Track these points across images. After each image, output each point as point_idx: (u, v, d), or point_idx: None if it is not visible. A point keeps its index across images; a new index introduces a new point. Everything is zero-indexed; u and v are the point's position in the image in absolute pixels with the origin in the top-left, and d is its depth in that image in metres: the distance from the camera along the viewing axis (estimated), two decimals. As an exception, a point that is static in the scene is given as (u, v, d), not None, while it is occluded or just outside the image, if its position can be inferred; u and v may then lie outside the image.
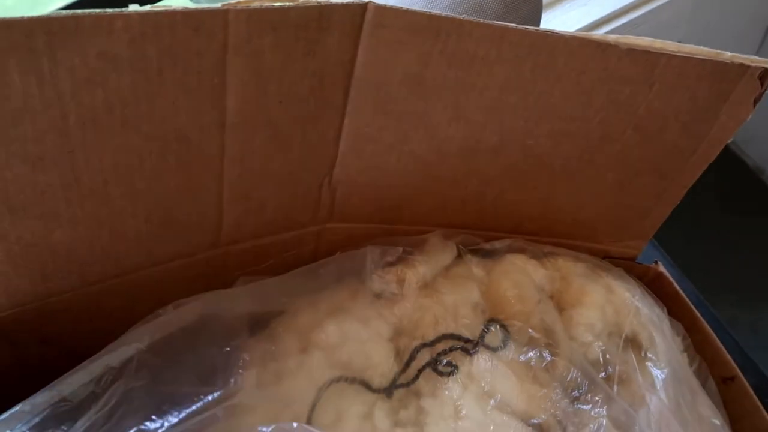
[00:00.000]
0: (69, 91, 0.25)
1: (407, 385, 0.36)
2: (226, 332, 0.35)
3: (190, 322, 0.34)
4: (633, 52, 0.33)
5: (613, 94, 0.35)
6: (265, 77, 0.30)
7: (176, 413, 0.28)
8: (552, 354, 0.37)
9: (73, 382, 0.29)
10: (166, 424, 0.27)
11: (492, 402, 0.35)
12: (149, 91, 0.27)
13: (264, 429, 0.27)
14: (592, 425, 0.34)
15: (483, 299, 0.39)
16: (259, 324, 0.37)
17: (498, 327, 0.37)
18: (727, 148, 0.40)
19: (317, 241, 0.42)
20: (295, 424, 0.28)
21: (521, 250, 0.42)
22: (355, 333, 0.37)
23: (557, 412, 0.35)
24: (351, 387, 0.35)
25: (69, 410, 0.28)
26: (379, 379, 0.36)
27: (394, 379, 0.36)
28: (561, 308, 0.41)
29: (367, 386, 0.36)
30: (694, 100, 0.36)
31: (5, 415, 0.28)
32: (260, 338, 0.37)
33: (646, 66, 0.34)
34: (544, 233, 0.44)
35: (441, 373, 0.36)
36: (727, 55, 0.35)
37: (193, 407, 0.28)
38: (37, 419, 0.27)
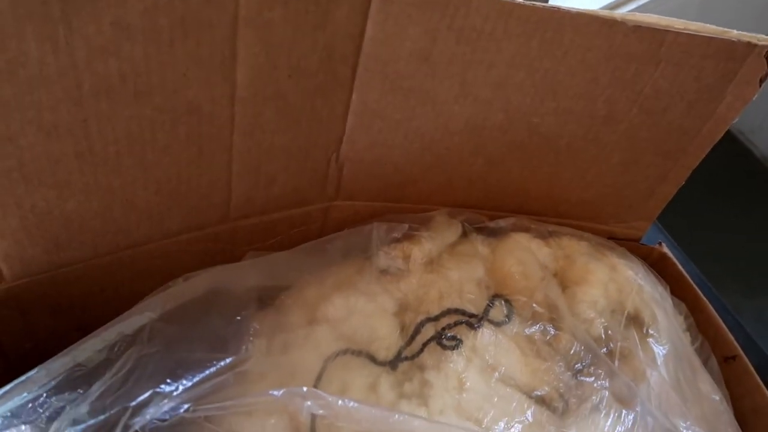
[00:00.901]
0: (84, 60, 0.26)
1: (412, 358, 0.37)
2: (236, 304, 0.35)
3: (201, 294, 0.35)
4: (639, 29, 0.34)
5: (619, 72, 0.36)
6: (275, 50, 0.30)
7: (189, 377, 0.28)
8: (555, 329, 0.38)
9: (87, 348, 0.30)
10: (180, 387, 0.28)
11: (496, 375, 0.35)
12: (161, 62, 0.28)
13: (275, 392, 0.28)
14: (594, 397, 0.35)
15: (487, 276, 0.39)
16: (267, 297, 0.38)
17: (502, 302, 0.38)
18: (734, 138, 0.40)
19: (324, 218, 0.43)
20: (305, 388, 0.28)
21: (525, 229, 0.42)
22: (361, 307, 0.38)
23: (560, 385, 0.36)
24: (356, 359, 0.36)
25: (84, 375, 0.29)
26: (384, 352, 0.37)
27: (399, 353, 0.37)
28: (564, 286, 0.41)
29: (372, 359, 0.36)
30: (700, 79, 0.37)
31: (22, 378, 0.29)
32: (268, 311, 0.38)
33: (652, 43, 0.34)
34: (549, 213, 0.44)
35: (445, 347, 0.36)
36: (733, 33, 0.35)
37: (206, 372, 0.29)
38: (53, 383, 0.28)
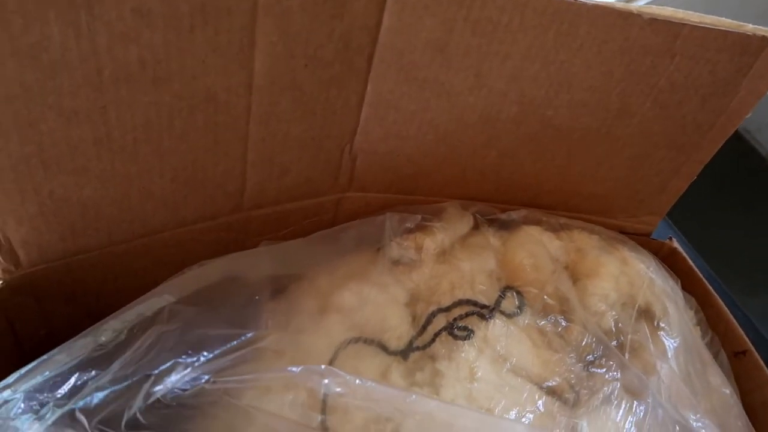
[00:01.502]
0: (105, 46, 0.26)
1: (423, 348, 0.37)
2: (250, 292, 0.36)
3: (216, 280, 0.35)
4: (655, 22, 0.34)
5: (634, 65, 0.36)
6: (292, 39, 0.30)
7: (209, 351, 0.29)
8: (566, 321, 0.38)
9: (107, 329, 0.30)
10: (201, 359, 0.28)
11: (507, 365, 0.35)
12: (181, 49, 0.28)
13: (293, 369, 0.28)
14: (605, 389, 0.35)
15: (499, 268, 0.40)
16: (280, 286, 0.38)
17: (514, 294, 0.38)
18: (739, 136, 0.40)
19: (336, 209, 0.43)
20: (323, 366, 0.28)
21: (537, 222, 0.42)
22: (373, 297, 0.38)
23: (571, 377, 0.36)
24: (368, 348, 0.36)
25: (105, 354, 0.29)
26: (396, 342, 0.37)
27: (411, 342, 0.37)
28: (575, 278, 0.41)
29: (383, 348, 0.36)
30: (715, 73, 0.37)
31: (44, 357, 0.29)
32: (281, 300, 0.38)
33: (667, 36, 0.34)
34: (560, 207, 0.44)
35: (457, 337, 0.36)
36: (749, 27, 0.35)
37: (225, 346, 0.29)
38: (74, 362, 0.28)
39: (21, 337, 0.38)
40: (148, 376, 0.27)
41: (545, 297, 0.38)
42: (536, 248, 0.40)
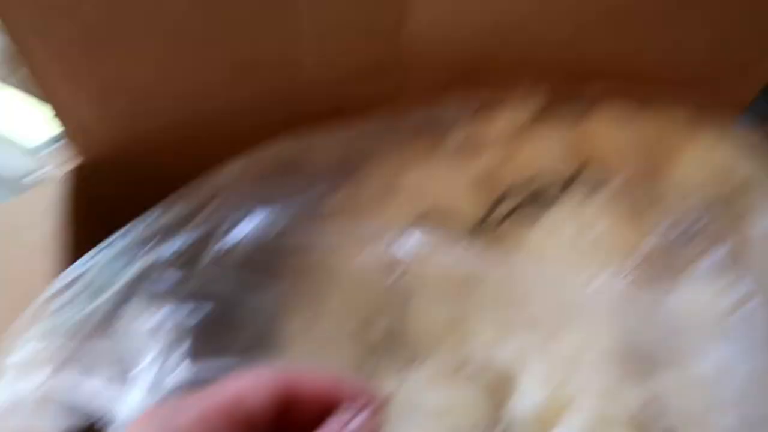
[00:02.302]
0: None
1: (492, 229, 0.36)
2: (313, 173, 0.35)
3: (278, 164, 0.35)
4: None
5: None
6: None
7: (279, 208, 0.28)
8: (650, 199, 0.36)
9: (177, 203, 0.30)
10: (274, 213, 0.28)
11: (585, 245, 0.34)
12: None
13: (371, 226, 0.28)
14: (692, 268, 0.33)
15: (573, 148, 0.38)
16: (342, 171, 0.37)
17: (591, 171, 0.36)
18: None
19: (397, 95, 0.41)
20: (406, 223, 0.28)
21: (615, 100, 0.39)
22: (438, 179, 0.37)
23: (655, 255, 0.34)
24: (435, 230, 0.35)
25: (176, 224, 0.29)
26: (463, 224, 0.36)
27: (479, 224, 0.36)
28: (656, 162, 0.38)
29: (450, 230, 0.35)
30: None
31: (121, 231, 0.29)
32: (343, 186, 0.38)
33: None
34: (645, 80, 0.41)
35: (528, 217, 0.35)
36: None
37: (297, 203, 0.29)
38: (147, 233, 0.29)
39: (105, 222, 0.39)
40: (219, 225, 0.27)
41: (626, 176, 0.36)
42: (616, 124, 0.38)
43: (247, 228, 0.27)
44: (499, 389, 0.27)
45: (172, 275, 0.26)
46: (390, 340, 0.29)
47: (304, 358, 0.27)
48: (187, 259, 0.27)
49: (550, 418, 0.27)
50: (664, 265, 0.34)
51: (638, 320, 0.27)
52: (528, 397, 0.27)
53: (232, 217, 0.28)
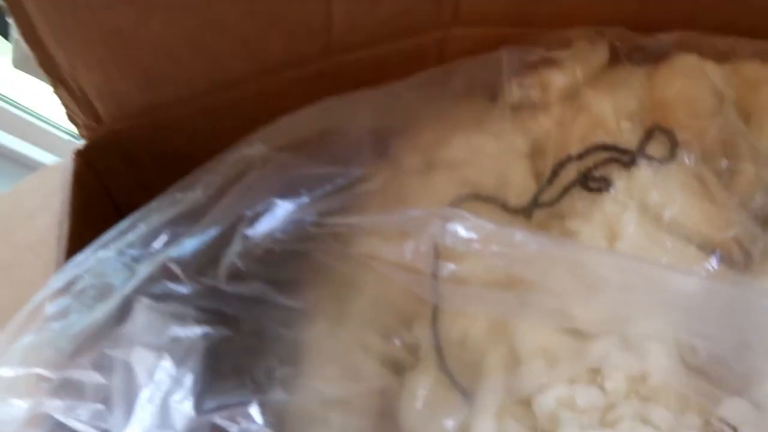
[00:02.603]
0: None
1: (551, 204, 0.31)
2: (348, 143, 0.31)
3: (311, 132, 0.31)
4: None
5: None
6: None
7: (311, 190, 0.25)
8: (734, 168, 0.30)
9: (199, 181, 0.27)
10: (303, 200, 0.25)
11: (658, 222, 0.29)
12: None
13: (413, 212, 0.24)
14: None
15: (644, 107, 0.32)
16: (382, 139, 0.33)
17: (664, 135, 0.31)
18: None
19: (440, 52, 0.36)
20: (447, 208, 0.24)
21: (695, 47, 0.33)
22: (487, 148, 0.32)
23: (740, 234, 0.29)
24: (484, 206, 0.31)
25: (198, 207, 0.26)
26: (517, 199, 0.31)
27: (535, 198, 0.31)
28: (744, 118, 0.33)
29: (502, 206, 0.31)
30: None
31: (135, 215, 0.27)
32: (381, 159, 0.34)
33: None
34: (726, 27, 0.35)
35: (592, 190, 0.30)
36: None
37: (328, 186, 0.25)
38: (167, 216, 0.26)
39: (119, 203, 0.37)
40: (242, 218, 0.24)
41: (706, 139, 0.30)
42: (694, 80, 0.32)
43: (270, 224, 0.24)
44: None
45: (184, 284, 0.23)
46: (416, 352, 0.26)
47: (325, 366, 0.24)
48: (202, 263, 0.24)
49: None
50: (747, 248, 0.28)
51: (717, 325, 0.23)
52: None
53: (254, 211, 0.24)
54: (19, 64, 0.50)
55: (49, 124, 0.85)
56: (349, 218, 0.25)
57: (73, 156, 0.32)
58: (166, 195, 0.28)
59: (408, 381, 0.26)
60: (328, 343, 0.24)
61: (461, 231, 0.23)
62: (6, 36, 0.70)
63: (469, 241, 0.23)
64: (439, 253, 0.24)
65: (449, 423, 0.23)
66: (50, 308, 0.22)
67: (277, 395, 0.21)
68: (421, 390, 0.26)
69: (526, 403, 0.26)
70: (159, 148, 0.34)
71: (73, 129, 0.32)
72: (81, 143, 0.32)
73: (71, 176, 0.31)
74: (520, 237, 0.23)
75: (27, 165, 0.82)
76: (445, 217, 0.24)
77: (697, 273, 0.26)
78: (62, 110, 0.31)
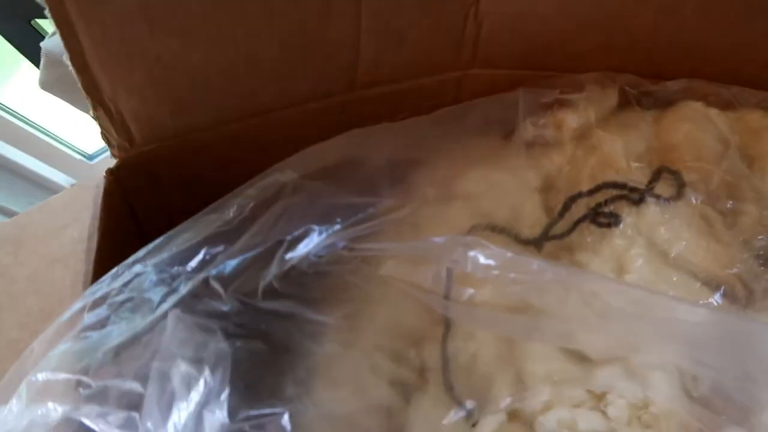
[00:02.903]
0: None
1: (561, 237, 0.32)
2: (369, 175, 0.32)
3: (335, 160, 0.32)
4: None
5: None
6: None
7: (343, 218, 0.26)
8: (737, 208, 0.32)
9: (231, 205, 0.28)
10: (336, 226, 0.26)
11: (665, 258, 0.30)
12: None
13: (437, 239, 0.25)
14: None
15: (652, 149, 0.34)
16: (399, 171, 0.35)
17: (671, 176, 0.32)
18: None
19: (458, 90, 0.38)
20: (469, 237, 0.25)
21: (700, 95, 0.35)
22: (502, 182, 0.34)
23: (743, 271, 0.30)
24: (497, 237, 0.32)
25: (230, 230, 0.27)
26: (529, 231, 0.33)
27: (546, 231, 0.33)
28: (749, 162, 0.34)
29: (515, 237, 0.32)
30: None
31: (169, 233, 0.28)
32: (398, 190, 0.35)
33: None
34: (729, 78, 0.37)
35: (601, 225, 0.32)
36: None
37: (360, 214, 0.27)
38: (201, 236, 0.27)
39: (143, 223, 0.38)
40: (281, 243, 0.25)
41: (711, 181, 0.32)
42: (699, 125, 0.34)
43: (306, 248, 0.25)
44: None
45: (224, 301, 0.24)
46: (424, 374, 0.27)
47: (335, 386, 0.25)
48: (242, 282, 0.25)
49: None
50: (750, 286, 0.30)
51: (720, 356, 0.24)
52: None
53: (292, 236, 0.26)
54: (46, 86, 0.52)
55: (63, 144, 0.87)
56: (378, 244, 0.26)
57: (105, 174, 0.33)
58: (200, 215, 0.29)
59: (415, 401, 0.27)
60: (339, 361, 0.25)
61: (481, 258, 0.25)
62: (32, 60, 0.72)
63: (489, 267, 0.24)
64: (451, 276, 0.26)
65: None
66: (88, 318, 0.23)
67: (306, 407, 0.22)
68: (427, 410, 0.27)
69: (529, 424, 0.27)
70: (183, 171, 0.36)
71: (86, 149, 0.34)
72: (94, 162, 0.33)
73: (102, 193, 0.32)
74: (537, 265, 0.24)
75: (42, 185, 0.83)
76: (467, 244, 0.25)
77: (704, 306, 0.27)
78: (75, 131, 0.32)
